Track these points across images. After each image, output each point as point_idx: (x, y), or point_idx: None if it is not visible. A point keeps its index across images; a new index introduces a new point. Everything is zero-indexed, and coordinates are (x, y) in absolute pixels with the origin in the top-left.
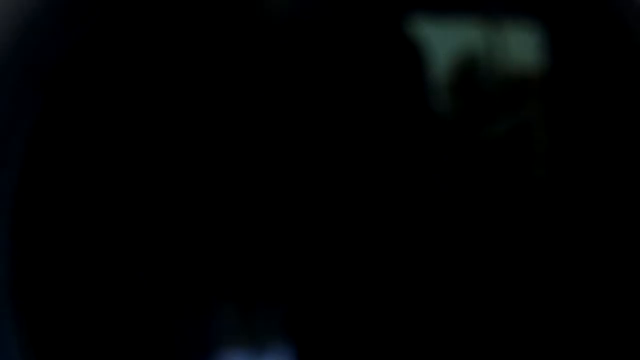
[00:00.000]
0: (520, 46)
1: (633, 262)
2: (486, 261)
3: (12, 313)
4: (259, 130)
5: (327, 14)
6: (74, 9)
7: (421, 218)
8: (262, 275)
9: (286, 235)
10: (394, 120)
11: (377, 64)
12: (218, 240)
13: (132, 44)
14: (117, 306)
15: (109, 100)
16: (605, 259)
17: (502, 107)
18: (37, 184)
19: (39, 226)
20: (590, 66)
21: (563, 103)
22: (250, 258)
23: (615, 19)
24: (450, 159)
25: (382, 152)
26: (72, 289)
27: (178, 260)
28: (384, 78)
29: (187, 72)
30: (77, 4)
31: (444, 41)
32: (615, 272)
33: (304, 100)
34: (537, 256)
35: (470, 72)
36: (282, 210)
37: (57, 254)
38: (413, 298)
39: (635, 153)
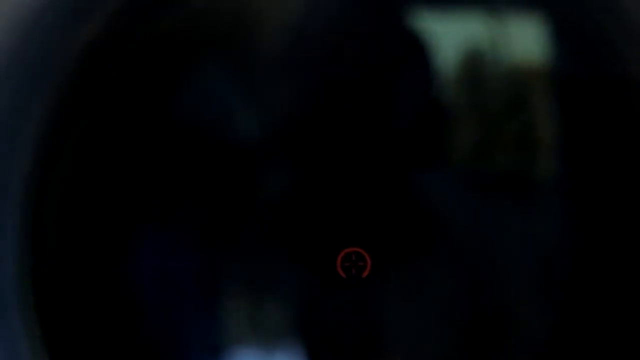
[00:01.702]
0: (524, 39)
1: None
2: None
3: (20, 307)
4: (266, 121)
5: (332, 11)
6: (80, 6)
7: (426, 212)
8: (272, 272)
9: (292, 229)
10: (399, 113)
11: (382, 57)
12: (227, 237)
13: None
14: (126, 303)
15: (120, 100)
16: (605, 258)
17: (507, 101)
18: (44, 182)
19: (47, 223)
20: (595, 60)
21: (568, 97)
22: (259, 254)
23: (618, 13)
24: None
25: (386, 144)
26: (81, 284)
27: (187, 256)
28: (390, 72)
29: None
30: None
31: (448, 35)
32: (616, 272)
33: (309, 93)
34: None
35: (474, 65)
36: (288, 204)
37: (67, 250)
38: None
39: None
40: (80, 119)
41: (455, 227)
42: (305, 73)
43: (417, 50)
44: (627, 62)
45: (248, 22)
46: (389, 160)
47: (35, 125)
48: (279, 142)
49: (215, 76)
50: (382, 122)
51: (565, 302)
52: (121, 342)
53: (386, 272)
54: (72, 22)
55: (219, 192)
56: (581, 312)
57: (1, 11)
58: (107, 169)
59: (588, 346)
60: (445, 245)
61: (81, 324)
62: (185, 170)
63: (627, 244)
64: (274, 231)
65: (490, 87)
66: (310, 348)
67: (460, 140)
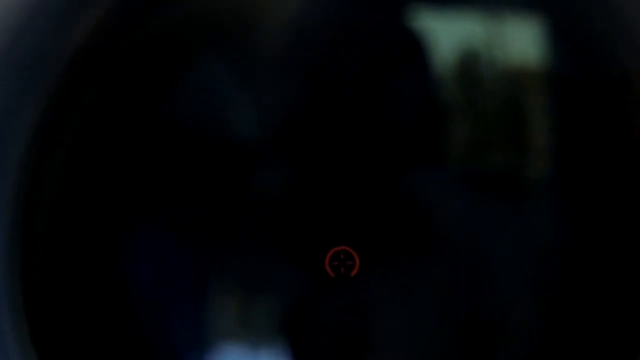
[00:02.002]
0: (521, 40)
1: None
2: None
3: (9, 307)
4: (265, 122)
5: (329, 9)
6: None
7: (418, 211)
8: (261, 270)
9: (284, 227)
10: (395, 111)
11: (380, 56)
12: (217, 236)
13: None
14: (117, 302)
15: (116, 99)
16: (606, 259)
17: (503, 101)
18: (37, 181)
19: (39, 222)
20: (591, 61)
21: (564, 98)
22: (249, 253)
23: (615, 16)
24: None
25: (380, 143)
26: (72, 284)
27: (179, 254)
28: (387, 70)
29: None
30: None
31: (445, 34)
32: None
33: (304, 92)
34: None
35: (471, 65)
36: (280, 202)
37: (58, 250)
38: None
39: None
40: (74, 119)
41: (447, 226)
42: (302, 72)
43: (414, 50)
44: (623, 63)
45: (246, 21)
46: (383, 159)
47: (28, 126)
48: (274, 141)
49: (212, 75)
50: (377, 121)
51: (560, 302)
52: (112, 340)
53: (375, 271)
54: (65, 23)
55: (211, 191)
56: (576, 311)
57: None
58: (101, 168)
59: (583, 346)
60: (437, 244)
61: (72, 323)
62: (178, 168)
63: (622, 244)
64: (265, 229)
65: (487, 87)
66: (298, 347)
67: (456, 140)
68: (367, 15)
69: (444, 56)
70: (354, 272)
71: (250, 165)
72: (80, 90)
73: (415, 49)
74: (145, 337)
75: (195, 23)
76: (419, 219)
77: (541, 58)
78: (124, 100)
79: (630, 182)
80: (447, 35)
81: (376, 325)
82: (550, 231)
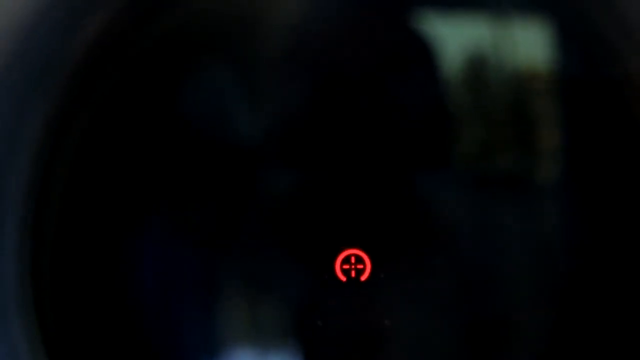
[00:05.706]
0: (527, 42)
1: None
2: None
3: (20, 308)
4: (271, 124)
5: (337, 13)
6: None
7: (427, 214)
8: (271, 273)
9: (293, 230)
10: (402, 114)
11: (386, 59)
12: (226, 238)
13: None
14: (125, 303)
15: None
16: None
17: (510, 103)
18: (45, 183)
19: (48, 224)
20: (595, 61)
21: (569, 98)
22: (258, 256)
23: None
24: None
25: (388, 146)
26: (80, 285)
27: (187, 257)
28: (396, 73)
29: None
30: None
31: (451, 38)
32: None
33: (310, 94)
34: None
35: (478, 68)
36: (288, 204)
37: (66, 251)
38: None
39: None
40: (81, 121)
41: (457, 228)
42: (307, 74)
43: (421, 53)
44: (625, 62)
45: (249, 24)
46: (391, 162)
47: (36, 126)
48: (280, 143)
49: (216, 77)
50: (384, 124)
51: (565, 303)
52: (120, 342)
53: (386, 274)
54: (72, 25)
55: (220, 193)
56: (581, 312)
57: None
58: (107, 169)
59: (588, 346)
60: (447, 246)
61: (80, 324)
62: (185, 170)
63: (627, 245)
64: (274, 233)
65: (494, 90)
66: (307, 349)
67: (464, 142)
68: (373, 19)
69: (452, 59)
70: (364, 275)
71: (260, 167)
72: (88, 93)
73: (422, 52)
74: (154, 340)
75: (199, 27)
76: (428, 221)
77: (547, 60)
78: (131, 103)
79: (636, 181)
80: (454, 39)
81: (386, 328)
82: (559, 231)
